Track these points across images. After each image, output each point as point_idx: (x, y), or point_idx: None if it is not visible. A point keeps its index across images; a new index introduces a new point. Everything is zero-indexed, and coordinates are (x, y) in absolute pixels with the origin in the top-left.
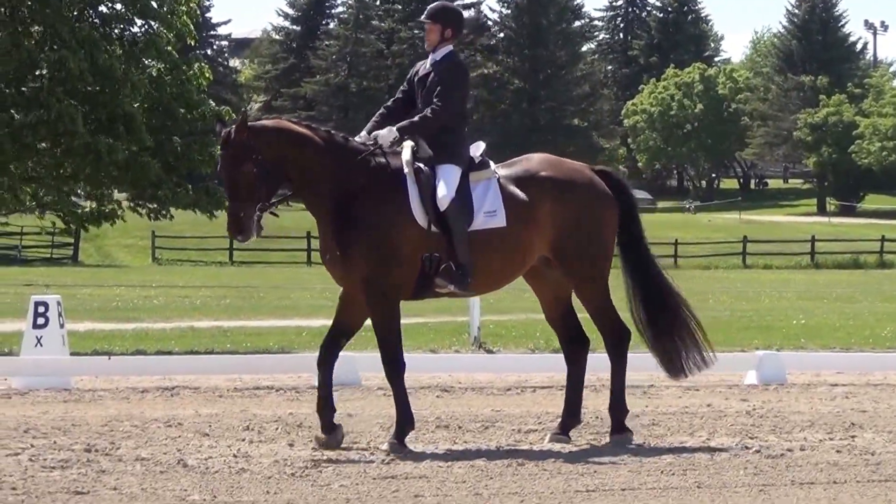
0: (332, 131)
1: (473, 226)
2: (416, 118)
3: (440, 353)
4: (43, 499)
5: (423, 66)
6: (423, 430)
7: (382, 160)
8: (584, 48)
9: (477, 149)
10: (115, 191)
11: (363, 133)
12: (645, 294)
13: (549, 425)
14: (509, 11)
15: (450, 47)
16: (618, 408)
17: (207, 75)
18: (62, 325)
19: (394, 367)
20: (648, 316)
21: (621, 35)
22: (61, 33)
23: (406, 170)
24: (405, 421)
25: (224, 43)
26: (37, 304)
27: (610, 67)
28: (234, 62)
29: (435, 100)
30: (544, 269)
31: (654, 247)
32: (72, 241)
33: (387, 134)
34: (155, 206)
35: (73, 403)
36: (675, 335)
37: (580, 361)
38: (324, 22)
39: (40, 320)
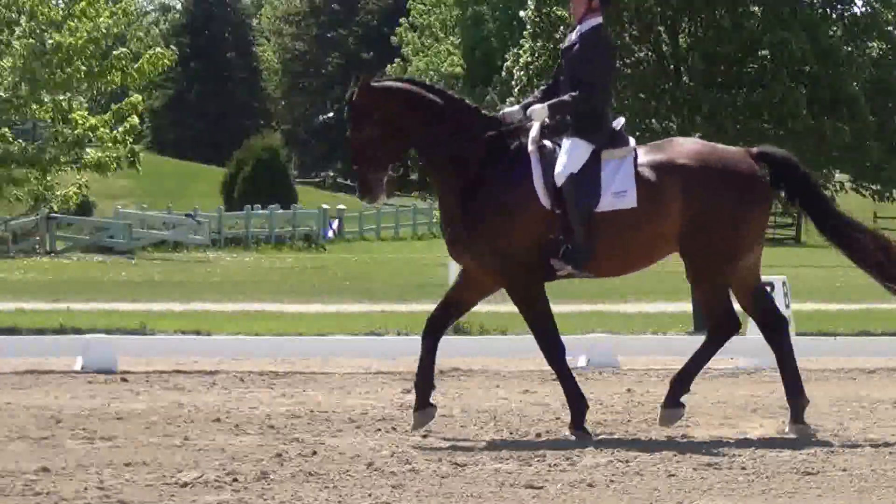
0: (466, 100)
1: (600, 206)
2: (566, 97)
3: None
4: (773, 479)
5: (570, 38)
6: None
7: (510, 137)
8: None
9: (617, 123)
10: (836, 172)
11: (516, 107)
12: (850, 253)
13: None
14: None
15: (598, 19)
16: (678, 387)
17: None
18: (787, 306)
19: (552, 351)
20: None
21: None
22: (782, 14)
23: (531, 147)
24: (579, 404)
25: None
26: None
27: None
28: None
29: (582, 77)
30: None
31: None
32: (791, 221)
33: (540, 110)
34: (878, 187)
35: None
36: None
37: (784, 342)
38: None
39: None
